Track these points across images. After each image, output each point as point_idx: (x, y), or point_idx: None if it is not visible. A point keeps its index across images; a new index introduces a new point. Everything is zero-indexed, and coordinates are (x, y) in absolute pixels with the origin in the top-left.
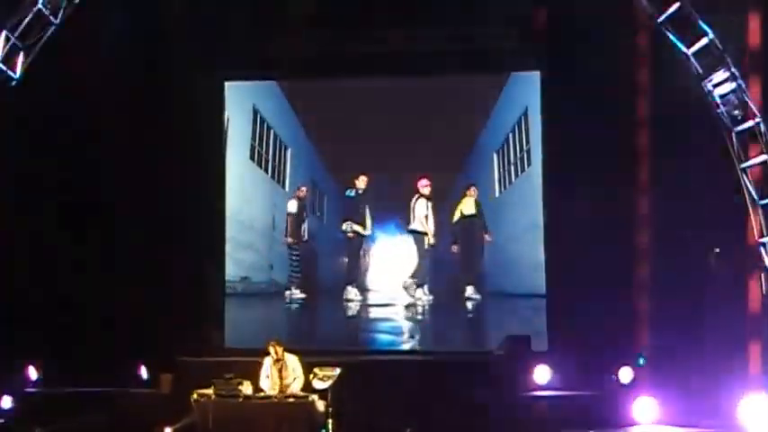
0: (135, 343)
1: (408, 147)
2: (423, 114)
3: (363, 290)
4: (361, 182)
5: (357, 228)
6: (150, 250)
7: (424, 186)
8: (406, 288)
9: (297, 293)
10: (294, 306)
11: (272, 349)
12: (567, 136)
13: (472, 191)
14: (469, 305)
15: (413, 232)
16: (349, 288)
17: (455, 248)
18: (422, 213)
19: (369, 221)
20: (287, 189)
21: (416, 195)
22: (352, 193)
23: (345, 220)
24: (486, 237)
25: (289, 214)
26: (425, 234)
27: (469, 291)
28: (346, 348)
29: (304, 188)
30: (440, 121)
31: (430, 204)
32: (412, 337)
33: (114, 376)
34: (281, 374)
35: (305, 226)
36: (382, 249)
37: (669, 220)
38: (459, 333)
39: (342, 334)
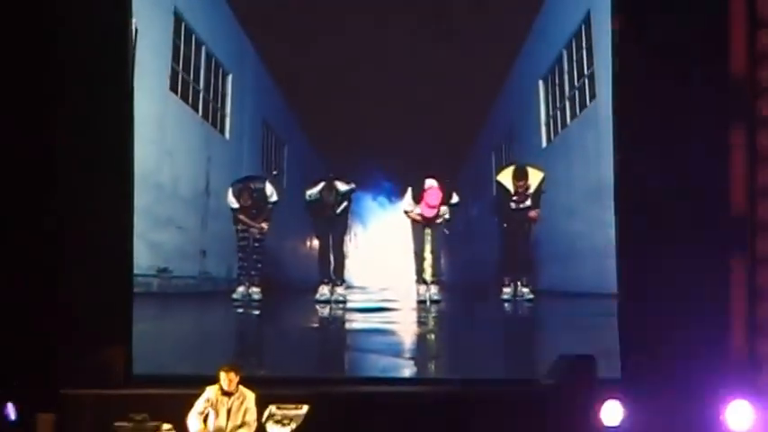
0: None
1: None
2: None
3: (348, 287)
4: None
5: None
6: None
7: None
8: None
9: (254, 292)
10: (243, 312)
11: (224, 378)
12: (653, 52)
13: None
14: (507, 308)
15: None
16: (322, 287)
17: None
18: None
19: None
20: (227, 135)
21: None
22: None
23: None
24: (532, 213)
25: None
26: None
27: (508, 290)
28: (319, 376)
29: None
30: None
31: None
32: (417, 358)
33: None
34: (229, 417)
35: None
36: (373, 226)
37: None
38: (489, 352)
39: (312, 354)
